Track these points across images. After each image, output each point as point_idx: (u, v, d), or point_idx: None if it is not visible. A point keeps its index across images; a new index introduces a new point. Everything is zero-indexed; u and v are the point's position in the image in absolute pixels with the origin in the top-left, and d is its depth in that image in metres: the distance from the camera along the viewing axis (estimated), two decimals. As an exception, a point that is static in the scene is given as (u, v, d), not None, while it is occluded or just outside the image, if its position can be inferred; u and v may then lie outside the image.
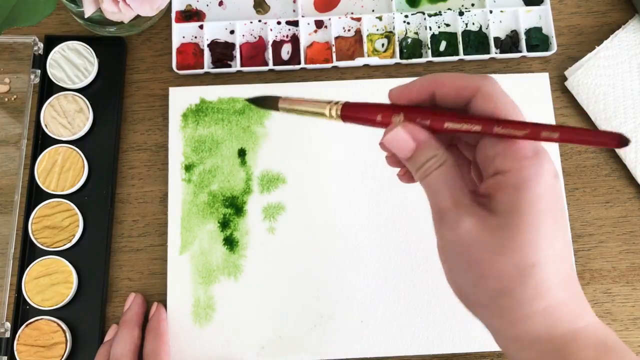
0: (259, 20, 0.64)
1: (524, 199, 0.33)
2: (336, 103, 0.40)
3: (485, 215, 0.34)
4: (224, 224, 0.58)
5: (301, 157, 0.60)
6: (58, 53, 0.61)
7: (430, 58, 0.63)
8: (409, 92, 0.38)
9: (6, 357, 0.55)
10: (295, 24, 0.64)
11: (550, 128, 0.33)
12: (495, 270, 0.34)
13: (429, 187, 0.36)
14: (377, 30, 0.64)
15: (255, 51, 0.64)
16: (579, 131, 0.35)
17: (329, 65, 0.63)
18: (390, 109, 0.38)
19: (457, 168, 0.36)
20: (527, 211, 0.33)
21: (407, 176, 0.41)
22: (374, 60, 0.63)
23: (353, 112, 0.39)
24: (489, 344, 0.56)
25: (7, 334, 0.56)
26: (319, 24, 0.64)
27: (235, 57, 0.63)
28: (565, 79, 0.63)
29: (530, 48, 0.64)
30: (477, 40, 0.64)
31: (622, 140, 0.31)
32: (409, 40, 0.64)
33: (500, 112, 0.35)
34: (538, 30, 0.64)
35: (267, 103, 0.45)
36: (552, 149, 0.60)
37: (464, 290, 0.37)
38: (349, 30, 0.64)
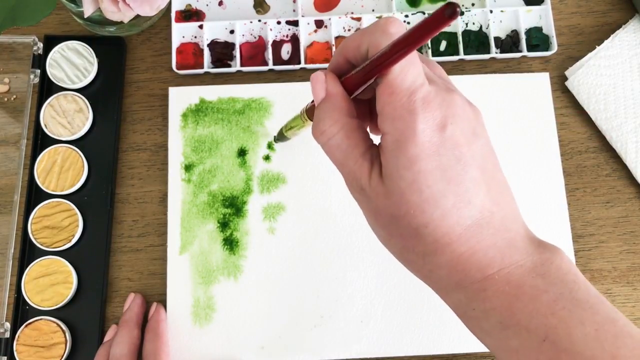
0: (259, 20, 0.64)
1: (398, 163, 0.33)
2: (302, 112, 0.45)
3: (377, 180, 0.35)
4: (224, 224, 0.58)
5: (301, 157, 0.60)
6: (58, 53, 0.61)
7: (430, 58, 0.63)
8: (331, 66, 0.38)
9: (6, 358, 0.55)
10: (295, 23, 0.64)
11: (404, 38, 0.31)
12: (396, 231, 0.35)
13: (327, 147, 0.37)
14: (377, 30, 0.64)
15: (255, 51, 0.64)
16: (418, 27, 0.31)
17: (329, 65, 0.63)
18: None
19: (360, 132, 0.36)
20: (403, 176, 0.33)
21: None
22: (374, 60, 0.63)
23: (310, 113, 0.42)
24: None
25: (7, 334, 0.56)
26: (319, 24, 0.64)
27: (235, 57, 0.63)
28: (566, 78, 0.63)
29: (530, 48, 0.63)
30: (477, 40, 0.64)
31: (449, 11, 0.28)
32: (409, 40, 0.64)
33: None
34: (538, 30, 0.64)
35: (280, 137, 0.53)
36: (552, 150, 0.60)
37: (381, 240, 0.38)
38: (349, 30, 0.64)
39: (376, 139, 0.37)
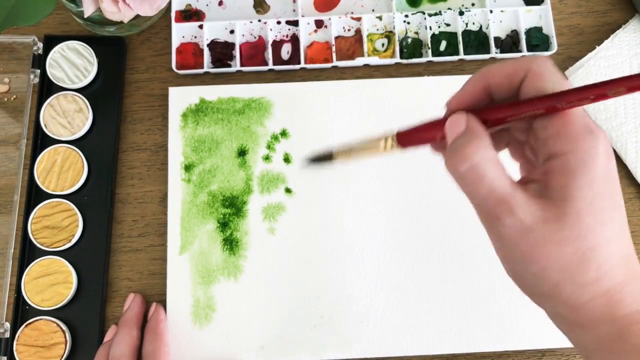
0: (259, 20, 0.64)
1: (580, 183, 0.33)
2: (387, 137, 0.39)
3: (539, 205, 0.34)
4: (224, 224, 0.58)
5: (301, 157, 0.60)
6: (58, 53, 0.61)
7: (430, 58, 0.63)
8: (463, 95, 0.38)
9: (6, 358, 0.55)
10: (295, 23, 0.64)
11: (614, 84, 0.33)
12: (556, 262, 0.33)
13: (471, 176, 0.34)
14: (377, 30, 0.64)
15: (255, 51, 0.64)
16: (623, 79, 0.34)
17: (329, 65, 0.63)
18: (443, 122, 0.37)
19: (501, 164, 0.35)
20: (584, 196, 0.33)
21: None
22: (374, 60, 0.63)
23: (409, 138, 0.39)
24: (489, 344, 0.56)
25: (7, 334, 0.56)
26: (319, 24, 0.64)
27: (235, 56, 0.63)
28: (566, 78, 0.63)
29: (530, 48, 0.63)
30: (477, 40, 0.64)
31: None
32: (409, 40, 0.64)
33: (548, 88, 0.34)
34: (538, 30, 0.64)
35: (323, 159, 0.44)
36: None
37: (526, 282, 0.36)
38: (349, 30, 0.64)
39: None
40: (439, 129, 0.38)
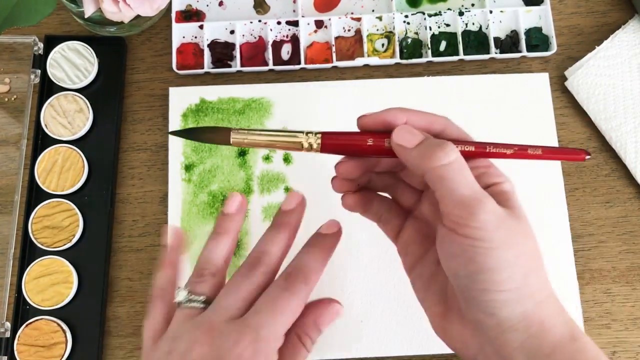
0: (259, 20, 0.64)
1: (518, 201, 0.39)
2: (311, 133, 0.40)
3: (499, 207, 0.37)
4: (224, 224, 0.58)
5: (302, 157, 0.60)
6: (58, 53, 0.61)
7: (430, 58, 0.63)
8: (380, 119, 0.42)
9: (6, 357, 0.55)
10: (295, 24, 0.64)
11: (533, 147, 0.40)
12: (527, 251, 0.37)
13: (458, 165, 0.37)
14: (377, 30, 0.64)
15: (255, 51, 0.64)
16: (554, 149, 0.43)
17: (329, 65, 0.63)
18: (378, 134, 0.41)
19: None
20: (523, 211, 0.38)
21: (355, 201, 0.46)
22: (374, 60, 0.63)
23: (334, 141, 0.40)
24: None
25: (7, 334, 0.56)
26: (319, 24, 0.64)
27: (235, 57, 0.63)
28: (565, 79, 0.63)
29: (530, 48, 0.64)
30: (477, 40, 0.64)
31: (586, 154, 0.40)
32: (409, 40, 0.64)
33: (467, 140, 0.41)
34: (538, 30, 0.64)
35: (213, 136, 0.41)
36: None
37: (493, 277, 0.36)
38: (349, 30, 0.64)
39: None
40: (372, 138, 0.41)
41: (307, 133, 0.40)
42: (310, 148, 0.40)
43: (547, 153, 0.41)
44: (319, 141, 0.40)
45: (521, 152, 0.41)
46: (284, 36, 0.64)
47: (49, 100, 0.60)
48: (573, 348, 0.36)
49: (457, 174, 0.37)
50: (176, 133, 0.42)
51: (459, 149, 0.38)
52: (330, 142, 0.40)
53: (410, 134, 0.40)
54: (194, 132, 0.44)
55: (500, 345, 0.38)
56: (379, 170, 0.45)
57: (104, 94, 0.62)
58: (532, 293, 0.37)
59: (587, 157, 0.40)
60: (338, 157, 0.42)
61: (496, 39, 0.64)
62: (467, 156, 0.39)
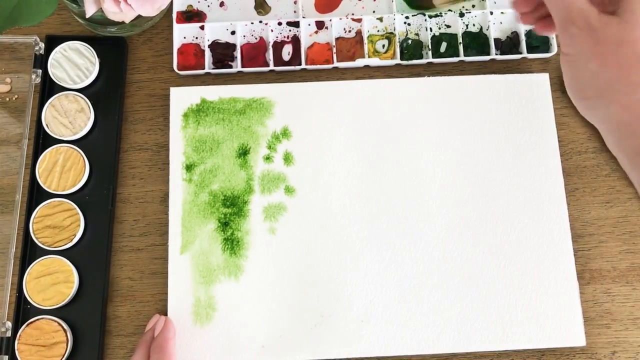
0: (260, 21, 0.64)
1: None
2: None
3: (607, 17, 0.41)
4: (225, 224, 0.58)
5: (302, 158, 0.60)
6: (59, 53, 0.62)
7: (430, 59, 0.63)
8: None
9: (7, 357, 0.55)
10: (296, 24, 0.64)
11: None
12: (614, 59, 0.41)
13: None
14: (378, 31, 0.65)
15: (256, 52, 0.64)
16: None
17: (329, 66, 0.63)
18: None
19: None
20: None
21: (528, 16, 0.49)
22: (375, 61, 0.63)
23: None
24: (489, 344, 0.56)
25: (8, 334, 0.56)
26: (320, 25, 0.64)
27: (236, 57, 0.63)
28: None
29: (530, 49, 0.64)
30: (477, 41, 0.64)
31: None
32: (410, 41, 0.64)
33: None
34: (538, 31, 0.64)
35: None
36: (552, 150, 0.60)
37: (585, 81, 0.43)
38: (349, 31, 0.65)
39: None
40: None
41: None
42: None
43: None
44: None
45: None
46: (284, 37, 0.64)
47: (50, 100, 0.60)
48: None
49: None
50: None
51: None
52: None
53: None
54: None
55: (608, 144, 0.45)
56: None
57: (105, 93, 0.62)
58: (618, 98, 0.41)
59: None
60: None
61: (496, 40, 0.64)
62: None
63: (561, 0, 0.42)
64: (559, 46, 0.64)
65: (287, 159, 0.60)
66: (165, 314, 0.56)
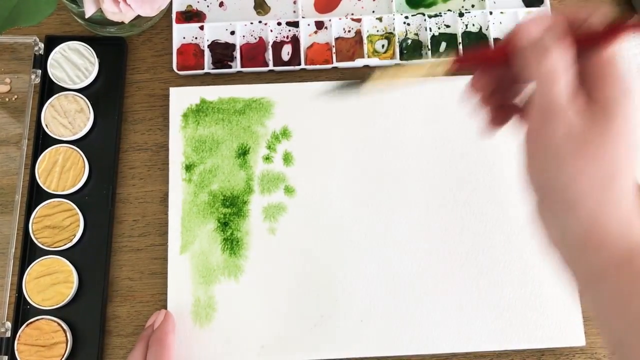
0: (260, 21, 0.64)
1: (623, 114, 0.37)
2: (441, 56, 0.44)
3: (589, 118, 0.37)
4: (225, 224, 0.58)
5: (302, 158, 0.60)
6: (59, 53, 0.62)
7: (430, 59, 0.63)
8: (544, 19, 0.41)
9: (7, 357, 0.55)
10: (295, 24, 0.64)
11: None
12: (590, 172, 0.37)
13: (549, 77, 0.38)
14: (378, 31, 0.65)
15: (255, 52, 0.64)
16: None
17: (329, 66, 0.63)
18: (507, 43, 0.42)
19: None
20: (624, 126, 0.37)
21: (499, 118, 0.46)
22: (374, 61, 0.63)
23: (469, 55, 0.44)
24: (489, 344, 0.56)
25: (8, 334, 0.56)
26: (319, 25, 0.64)
27: (235, 57, 0.63)
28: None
29: (529, 49, 0.64)
30: (477, 41, 0.64)
31: None
32: (409, 41, 0.64)
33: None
34: (537, 31, 0.64)
35: (354, 86, 0.46)
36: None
37: (556, 185, 0.38)
38: (349, 31, 0.65)
39: None
40: (506, 49, 0.41)
41: (433, 63, 0.43)
42: (442, 71, 0.44)
43: None
44: (450, 61, 0.43)
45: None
46: (284, 37, 0.64)
47: (49, 100, 0.60)
48: (628, 270, 0.36)
49: (551, 83, 0.38)
50: (330, 92, 0.46)
51: (586, 31, 0.40)
52: (462, 62, 0.43)
53: (535, 22, 0.40)
54: (344, 86, 0.48)
55: (560, 254, 0.40)
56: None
57: (105, 94, 0.62)
58: (586, 214, 0.37)
59: None
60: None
61: (496, 40, 0.64)
62: (592, 42, 0.40)
63: (545, 92, 0.38)
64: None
65: (287, 159, 0.60)
66: (165, 314, 0.56)
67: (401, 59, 0.63)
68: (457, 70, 0.43)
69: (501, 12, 0.64)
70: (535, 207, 0.41)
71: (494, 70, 0.45)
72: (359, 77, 0.43)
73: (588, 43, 0.40)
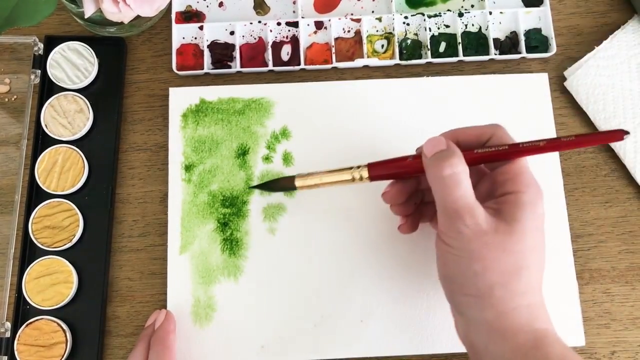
0: (259, 21, 0.64)
1: (528, 215, 0.42)
2: (358, 167, 0.50)
3: (494, 219, 0.42)
4: (224, 224, 0.58)
5: (302, 158, 0.60)
6: (58, 53, 0.62)
7: (429, 59, 0.63)
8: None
9: (6, 357, 0.55)
10: (295, 24, 0.64)
11: (566, 137, 0.45)
12: (498, 265, 0.41)
13: (451, 180, 0.42)
14: (377, 31, 0.65)
15: (255, 52, 0.64)
16: (587, 136, 0.48)
17: (328, 66, 0.63)
18: (418, 156, 0.47)
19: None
20: (529, 225, 0.42)
21: (407, 225, 0.52)
22: (374, 62, 0.63)
23: (380, 169, 0.49)
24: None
25: (7, 334, 0.56)
26: (319, 25, 0.64)
27: (235, 58, 0.63)
28: (565, 79, 0.63)
29: (529, 49, 0.64)
30: (476, 41, 0.64)
31: (624, 133, 0.42)
32: (409, 41, 0.64)
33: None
34: (537, 31, 0.64)
35: (282, 184, 0.56)
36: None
37: (466, 280, 0.43)
38: (348, 31, 0.65)
39: None
40: (410, 163, 0.48)
41: (352, 168, 0.51)
42: (360, 179, 0.50)
43: (581, 140, 0.45)
44: (367, 173, 0.50)
45: (554, 143, 0.46)
46: (283, 37, 0.64)
47: (49, 101, 0.60)
48: (534, 355, 0.40)
49: (454, 185, 0.42)
50: (256, 187, 0.59)
51: (494, 150, 0.45)
52: (376, 170, 0.49)
53: (433, 143, 0.44)
54: (268, 185, 0.58)
55: (471, 343, 0.44)
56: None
57: (104, 94, 0.62)
58: (495, 304, 0.41)
59: (626, 136, 0.42)
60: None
61: (496, 40, 0.64)
62: (501, 157, 0.45)
63: (449, 193, 0.42)
64: (558, 46, 0.64)
65: (287, 159, 0.60)
66: (165, 314, 0.56)
67: (401, 59, 0.63)
68: (372, 180, 0.50)
69: (501, 12, 0.64)
70: (449, 299, 0.46)
71: (405, 182, 0.50)
72: (283, 183, 0.54)
73: (492, 159, 0.45)
